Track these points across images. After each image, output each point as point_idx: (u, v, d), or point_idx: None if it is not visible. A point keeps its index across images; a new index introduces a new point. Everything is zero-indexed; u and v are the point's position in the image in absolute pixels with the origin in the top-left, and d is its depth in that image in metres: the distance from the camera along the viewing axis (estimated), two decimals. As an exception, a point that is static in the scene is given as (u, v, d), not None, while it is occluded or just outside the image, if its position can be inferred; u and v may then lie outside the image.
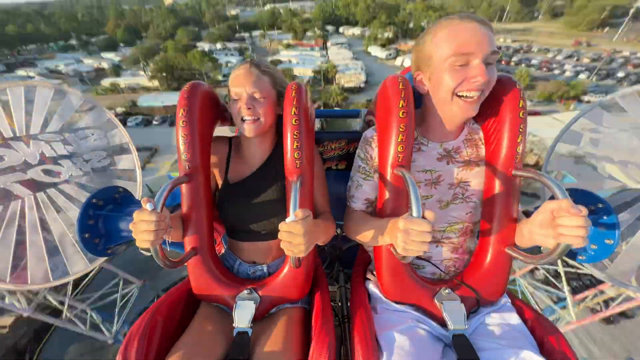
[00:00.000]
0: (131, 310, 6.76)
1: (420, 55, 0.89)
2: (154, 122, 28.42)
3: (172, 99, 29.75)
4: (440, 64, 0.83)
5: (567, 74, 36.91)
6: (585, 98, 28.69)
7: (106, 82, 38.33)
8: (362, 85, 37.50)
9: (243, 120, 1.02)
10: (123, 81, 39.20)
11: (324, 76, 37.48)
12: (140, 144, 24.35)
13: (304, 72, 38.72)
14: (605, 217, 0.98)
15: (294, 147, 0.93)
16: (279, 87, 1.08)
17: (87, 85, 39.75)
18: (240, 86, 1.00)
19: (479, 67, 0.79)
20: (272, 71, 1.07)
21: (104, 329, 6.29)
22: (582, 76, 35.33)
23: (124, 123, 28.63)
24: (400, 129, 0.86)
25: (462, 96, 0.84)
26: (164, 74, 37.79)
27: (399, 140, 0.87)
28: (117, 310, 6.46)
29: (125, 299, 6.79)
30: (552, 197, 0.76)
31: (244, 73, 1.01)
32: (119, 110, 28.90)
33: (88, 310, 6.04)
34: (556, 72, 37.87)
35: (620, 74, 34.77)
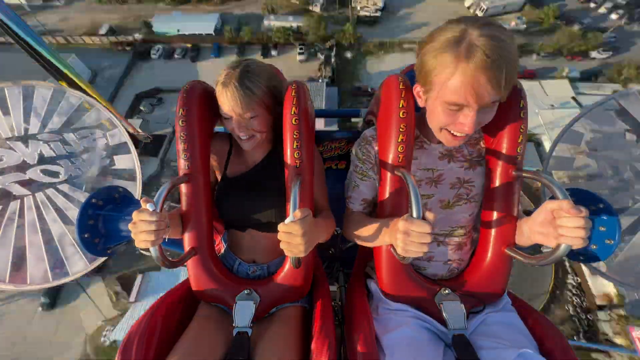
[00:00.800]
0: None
1: (423, 71, 0.81)
2: (176, 56, 27.88)
3: (187, 26, 28.79)
4: (437, 98, 0.80)
5: (602, 10, 30.18)
6: (592, 54, 26.35)
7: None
8: (378, 14, 27.55)
9: (239, 137, 1.03)
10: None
11: None
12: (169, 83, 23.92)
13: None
14: (605, 217, 0.98)
15: (294, 147, 0.93)
16: (274, 91, 1.03)
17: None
18: (228, 106, 0.96)
19: (470, 118, 0.76)
20: (262, 80, 0.99)
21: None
22: (613, 16, 29.52)
23: (148, 54, 27.40)
24: (401, 129, 0.86)
25: (450, 132, 0.84)
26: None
27: (399, 140, 0.87)
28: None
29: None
30: (553, 197, 0.76)
31: (230, 95, 0.94)
32: (138, 37, 27.37)
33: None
34: (592, 4, 31.07)
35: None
